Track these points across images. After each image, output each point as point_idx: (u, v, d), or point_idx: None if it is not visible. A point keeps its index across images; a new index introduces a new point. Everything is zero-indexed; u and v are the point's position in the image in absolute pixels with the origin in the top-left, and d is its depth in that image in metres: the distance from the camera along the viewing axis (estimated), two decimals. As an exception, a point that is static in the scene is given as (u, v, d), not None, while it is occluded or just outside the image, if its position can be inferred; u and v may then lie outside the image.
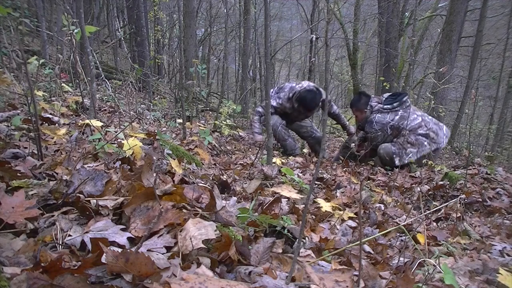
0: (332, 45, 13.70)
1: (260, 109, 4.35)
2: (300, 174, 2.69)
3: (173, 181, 1.51)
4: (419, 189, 2.72)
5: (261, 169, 2.34)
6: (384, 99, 4.01)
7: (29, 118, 1.77)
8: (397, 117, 3.82)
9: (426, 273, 1.00)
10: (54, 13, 7.88)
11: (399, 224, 1.63)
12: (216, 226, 0.96)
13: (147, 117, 4.46)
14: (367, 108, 3.98)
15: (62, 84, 3.50)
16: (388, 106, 3.87)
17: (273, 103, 4.12)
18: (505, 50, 9.79)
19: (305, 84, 4.18)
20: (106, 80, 5.34)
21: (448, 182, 2.75)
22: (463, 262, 1.20)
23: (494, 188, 2.69)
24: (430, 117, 4.07)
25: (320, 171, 2.92)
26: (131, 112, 4.17)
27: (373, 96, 4.14)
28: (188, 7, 6.84)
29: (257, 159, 2.79)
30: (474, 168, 3.21)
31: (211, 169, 2.43)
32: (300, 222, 1.35)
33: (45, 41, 5.84)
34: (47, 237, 0.85)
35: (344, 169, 3.37)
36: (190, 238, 0.86)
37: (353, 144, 4.05)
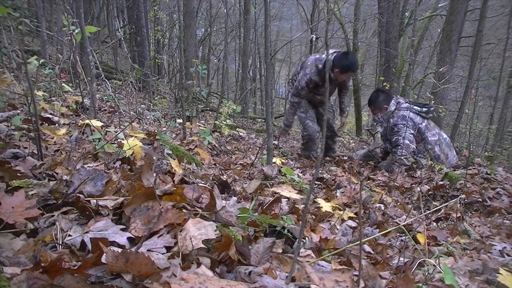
0: (332, 45, 13.68)
1: (296, 100, 3.98)
2: (300, 174, 2.69)
3: (173, 181, 1.51)
4: (419, 189, 2.71)
5: (261, 169, 2.34)
6: (408, 101, 3.96)
7: (29, 118, 1.77)
8: (424, 123, 3.76)
9: (426, 273, 1.00)
10: (54, 13, 7.88)
11: (399, 224, 1.63)
12: (216, 226, 0.96)
13: (147, 117, 4.46)
14: (388, 104, 3.83)
15: (62, 84, 3.50)
16: (418, 108, 3.79)
17: (302, 82, 3.82)
18: (505, 50, 9.78)
19: (331, 51, 3.84)
20: (106, 80, 5.34)
21: (448, 182, 2.75)
22: (463, 262, 1.20)
23: (494, 188, 2.69)
24: (445, 135, 3.98)
25: (320, 171, 2.92)
26: (131, 112, 4.17)
27: (397, 95, 4.05)
28: (188, 7, 6.85)
29: (257, 159, 2.79)
30: (474, 168, 3.21)
31: (211, 169, 2.43)
32: (300, 222, 1.35)
33: (45, 41, 5.84)
34: (47, 237, 0.85)
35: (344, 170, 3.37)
36: (190, 238, 0.86)
37: (377, 149, 4.02)
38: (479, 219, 2.12)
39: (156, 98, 6.51)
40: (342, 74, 3.77)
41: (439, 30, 8.95)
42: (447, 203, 2.21)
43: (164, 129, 3.96)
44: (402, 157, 3.63)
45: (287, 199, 1.69)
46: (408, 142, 3.64)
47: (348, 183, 2.62)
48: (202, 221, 0.93)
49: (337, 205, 1.74)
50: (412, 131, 3.68)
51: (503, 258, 1.38)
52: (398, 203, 2.37)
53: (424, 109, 3.80)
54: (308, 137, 4.11)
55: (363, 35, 15.04)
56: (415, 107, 3.80)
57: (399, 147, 3.66)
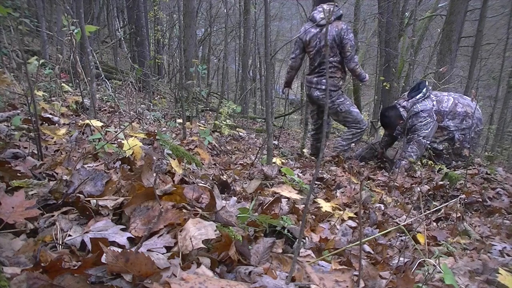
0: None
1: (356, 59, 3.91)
2: (300, 174, 2.69)
3: (173, 181, 1.51)
4: (419, 189, 2.71)
5: (261, 169, 2.34)
6: (407, 94, 3.99)
7: (29, 118, 1.77)
8: (434, 101, 3.77)
9: (426, 273, 1.00)
10: (54, 13, 7.88)
11: (399, 224, 1.63)
12: (216, 226, 0.96)
13: (147, 117, 4.46)
14: (400, 115, 3.87)
15: (62, 84, 3.50)
16: (420, 94, 3.81)
17: (353, 43, 3.84)
18: (505, 50, 9.77)
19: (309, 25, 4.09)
20: (106, 80, 5.34)
21: (448, 182, 2.75)
22: (463, 262, 1.20)
23: (494, 188, 2.69)
24: (453, 93, 4.04)
25: (320, 171, 2.92)
26: (131, 112, 4.17)
27: (396, 102, 4.09)
28: (188, 7, 6.84)
29: (257, 159, 2.79)
30: (474, 168, 3.21)
31: (211, 169, 2.43)
32: (300, 222, 1.35)
33: (45, 41, 5.84)
34: (47, 237, 0.85)
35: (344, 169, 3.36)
36: (190, 238, 0.86)
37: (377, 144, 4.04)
38: (479, 219, 2.12)
39: (156, 98, 6.52)
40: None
41: (439, 30, 8.96)
42: (447, 203, 2.21)
43: (164, 129, 3.96)
44: (412, 153, 3.69)
45: (287, 199, 1.69)
46: (424, 140, 3.69)
47: (348, 183, 2.62)
48: (202, 221, 0.93)
49: (337, 205, 1.74)
50: (430, 121, 3.70)
51: (503, 258, 1.38)
52: (398, 203, 2.37)
53: (423, 90, 3.82)
54: (363, 132, 4.11)
55: (363, 35, 15.05)
56: (416, 97, 3.82)
57: (412, 143, 3.74)
